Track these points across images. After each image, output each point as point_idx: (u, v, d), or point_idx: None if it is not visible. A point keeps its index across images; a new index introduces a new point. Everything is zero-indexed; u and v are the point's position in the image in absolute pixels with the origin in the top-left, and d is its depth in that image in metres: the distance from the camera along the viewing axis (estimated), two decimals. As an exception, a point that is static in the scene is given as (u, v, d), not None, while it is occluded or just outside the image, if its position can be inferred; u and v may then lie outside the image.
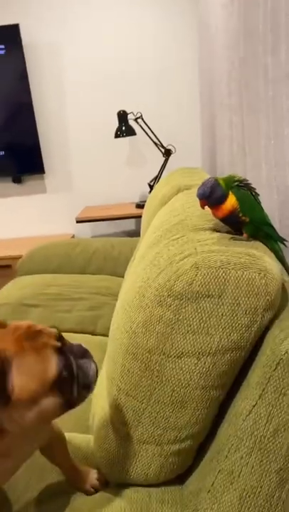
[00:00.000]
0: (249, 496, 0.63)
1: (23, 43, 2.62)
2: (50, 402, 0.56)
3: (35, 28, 2.68)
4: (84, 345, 0.63)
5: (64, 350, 0.59)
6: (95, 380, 0.62)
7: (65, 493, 0.79)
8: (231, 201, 0.76)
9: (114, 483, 0.81)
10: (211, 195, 0.77)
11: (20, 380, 0.53)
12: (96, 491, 0.80)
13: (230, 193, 0.76)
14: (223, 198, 0.77)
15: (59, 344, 0.58)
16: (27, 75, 2.68)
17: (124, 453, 0.76)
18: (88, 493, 0.80)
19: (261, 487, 0.62)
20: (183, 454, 0.74)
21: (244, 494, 0.63)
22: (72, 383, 0.58)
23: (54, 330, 0.60)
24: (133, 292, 0.74)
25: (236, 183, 0.78)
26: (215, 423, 0.73)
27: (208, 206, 0.79)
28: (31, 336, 0.57)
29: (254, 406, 0.63)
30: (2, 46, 2.62)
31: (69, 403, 0.59)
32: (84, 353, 0.62)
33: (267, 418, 0.61)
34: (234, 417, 0.66)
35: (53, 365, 0.56)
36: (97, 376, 0.63)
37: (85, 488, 0.80)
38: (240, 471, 0.63)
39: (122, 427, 0.75)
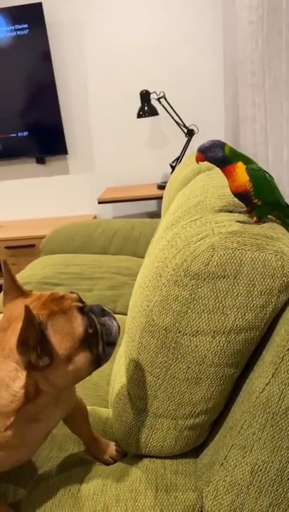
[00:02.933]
0: (260, 470, 0.65)
1: (46, 21, 2.61)
2: (82, 358, 0.61)
3: (57, 7, 2.66)
4: (103, 306, 0.67)
5: (86, 310, 0.63)
6: (118, 337, 0.66)
7: (85, 462, 0.82)
8: (243, 178, 0.75)
9: (130, 454, 0.84)
10: (207, 151, 0.76)
11: (57, 340, 0.58)
12: (114, 461, 0.85)
13: (240, 163, 0.76)
14: (223, 162, 0.76)
15: (81, 305, 0.63)
16: (50, 54, 2.67)
17: (140, 425, 0.79)
18: (107, 464, 0.84)
19: (272, 462, 0.64)
20: (197, 429, 0.76)
21: (256, 468, 0.65)
22: (98, 339, 0.63)
23: (75, 294, 0.65)
24: (150, 272, 0.75)
25: (252, 166, 0.77)
26: (229, 399, 0.75)
27: (211, 162, 0.78)
28: (56, 300, 0.61)
29: (267, 384, 0.64)
30: (25, 25, 2.62)
31: (97, 359, 0.63)
32: (104, 312, 0.66)
33: (279, 396, 0.63)
34: (248, 394, 0.68)
35: (79, 322, 0.60)
36: (119, 333, 0.66)
37: (104, 459, 0.84)
38: (252, 446, 0.65)
39: (139, 401, 0.78)
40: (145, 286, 0.76)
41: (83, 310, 0.62)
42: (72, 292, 0.66)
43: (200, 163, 0.80)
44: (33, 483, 0.79)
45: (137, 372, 0.77)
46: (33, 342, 0.56)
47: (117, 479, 0.76)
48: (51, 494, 0.76)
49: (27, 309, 0.53)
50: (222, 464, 0.70)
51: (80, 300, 0.65)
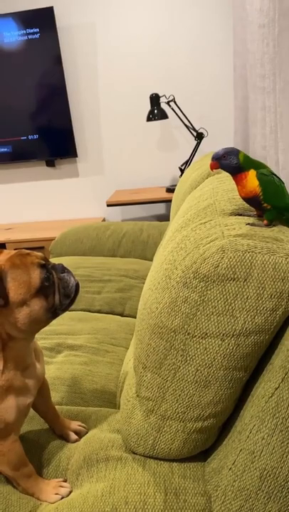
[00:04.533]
0: (269, 476, 0.64)
1: (57, 25, 2.64)
2: (37, 304, 0.71)
3: (68, 11, 2.68)
4: (65, 265, 0.78)
5: (47, 266, 0.74)
6: (75, 291, 0.76)
7: (89, 463, 0.83)
8: (253, 184, 0.75)
9: (139, 455, 0.84)
10: (222, 159, 0.76)
11: (13, 286, 0.69)
12: (79, 438, 0.89)
13: (252, 171, 0.76)
14: (237, 170, 0.76)
15: (42, 262, 0.73)
16: (61, 58, 2.69)
17: (148, 427, 0.78)
18: (72, 441, 0.88)
19: (281, 468, 0.63)
20: (205, 432, 0.76)
21: (264, 473, 0.65)
22: (54, 291, 0.74)
23: (40, 253, 0.76)
24: (160, 274, 0.75)
25: (263, 171, 0.77)
26: (238, 403, 0.75)
27: (225, 170, 0.78)
28: (21, 256, 0.73)
29: (277, 388, 0.64)
30: (37, 29, 2.64)
31: (53, 308, 0.74)
32: (64, 269, 0.77)
33: (289, 401, 0.62)
34: (257, 399, 0.68)
35: (37, 275, 0.71)
36: (77, 290, 0.77)
37: (68, 434, 0.89)
38: (261, 451, 0.65)
39: (147, 403, 0.78)
40: (154, 289, 0.76)
41: (43, 265, 0.73)
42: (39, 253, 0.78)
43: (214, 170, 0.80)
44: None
45: (145, 374, 0.77)
46: None
47: (125, 482, 0.76)
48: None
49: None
50: (230, 468, 0.70)
51: (44, 258, 0.75)
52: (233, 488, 0.68)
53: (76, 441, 0.88)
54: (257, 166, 0.77)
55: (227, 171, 0.78)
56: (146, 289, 0.82)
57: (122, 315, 1.61)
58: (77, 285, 0.77)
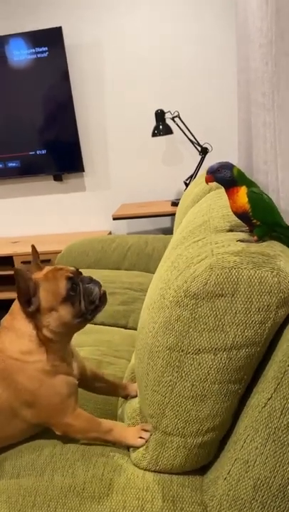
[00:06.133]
0: (263, 485, 0.65)
1: (65, 44, 2.70)
2: (64, 310, 0.84)
3: (76, 30, 2.75)
4: (94, 277, 0.91)
5: (74, 278, 0.86)
6: (99, 299, 0.87)
7: (88, 460, 0.85)
8: (243, 200, 0.78)
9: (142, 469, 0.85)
10: (216, 173, 0.80)
11: (44, 295, 0.83)
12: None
13: (243, 187, 0.78)
14: (231, 184, 0.79)
15: (70, 275, 0.86)
16: (68, 75, 2.75)
17: (151, 443, 0.80)
18: (133, 395, 1.02)
19: (274, 477, 0.64)
20: (206, 447, 0.77)
21: (258, 483, 0.65)
22: (80, 299, 0.86)
23: (72, 268, 0.90)
24: (155, 294, 0.78)
25: (252, 189, 0.79)
26: (233, 414, 0.76)
27: (219, 183, 0.81)
28: (54, 270, 0.87)
29: (269, 399, 0.65)
30: (45, 48, 2.71)
31: (80, 314, 0.86)
32: (90, 280, 0.89)
33: (281, 411, 0.63)
34: (251, 409, 0.69)
35: (63, 285, 0.84)
36: (103, 297, 0.88)
37: (128, 394, 1.04)
38: (255, 461, 0.66)
39: (150, 419, 0.80)
40: (151, 308, 0.78)
41: (71, 278, 0.86)
42: (74, 267, 0.93)
43: (210, 183, 0.83)
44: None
45: (146, 392, 0.79)
46: (28, 296, 0.83)
47: (123, 486, 0.78)
48: (56, 490, 0.79)
49: (17, 271, 0.82)
50: (225, 478, 0.70)
51: (74, 272, 0.89)
52: (228, 497, 0.69)
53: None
54: (249, 183, 0.80)
55: (221, 184, 0.81)
56: (145, 307, 0.85)
57: (125, 327, 1.63)
58: (103, 294, 0.89)
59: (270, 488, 0.65)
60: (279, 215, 0.81)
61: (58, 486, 0.79)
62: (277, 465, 0.64)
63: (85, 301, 0.86)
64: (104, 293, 0.89)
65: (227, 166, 0.79)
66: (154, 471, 0.82)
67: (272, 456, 0.64)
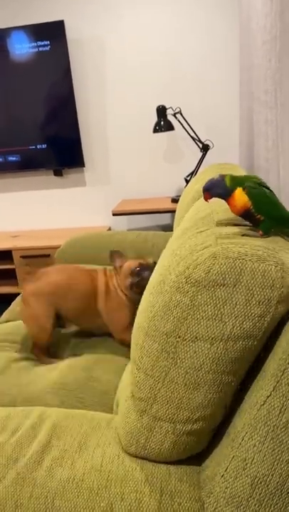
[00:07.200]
0: (260, 483, 0.65)
1: (67, 38, 2.69)
2: (128, 280, 1.42)
3: (78, 24, 2.74)
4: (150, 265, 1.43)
5: (142, 263, 1.43)
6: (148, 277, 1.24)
7: (84, 449, 0.84)
8: (242, 200, 0.77)
9: (130, 455, 0.85)
10: (211, 189, 0.81)
11: (124, 271, 1.44)
12: None
13: (238, 189, 0.78)
14: (228, 194, 0.79)
15: (138, 268, 1.41)
16: (70, 69, 2.75)
17: (140, 427, 0.80)
18: None
19: (272, 475, 0.64)
20: (195, 435, 0.77)
21: (256, 481, 0.65)
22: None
23: (150, 260, 1.45)
24: (155, 279, 0.78)
25: (249, 184, 0.79)
26: (231, 411, 0.76)
27: (217, 197, 0.83)
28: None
29: (268, 397, 0.65)
30: (47, 42, 2.70)
31: (133, 285, 1.41)
32: (148, 267, 1.40)
33: (280, 409, 0.63)
34: (249, 407, 0.68)
35: (134, 267, 1.42)
36: (147, 277, 1.25)
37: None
38: (252, 458, 0.65)
39: (140, 403, 0.79)
40: (149, 293, 0.78)
41: (141, 263, 1.41)
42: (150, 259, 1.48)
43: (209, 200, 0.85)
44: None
45: (139, 375, 0.78)
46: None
47: (122, 478, 0.77)
48: (54, 480, 0.78)
49: (128, 265, 1.43)
50: (223, 475, 0.70)
51: (143, 263, 1.42)
52: (225, 495, 0.69)
53: None
54: (241, 181, 0.79)
55: (219, 197, 0.82)
56: (145, 294, 0.84)
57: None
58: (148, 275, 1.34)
59: (267, 486, 0.65)
60: (284, 208, 0.81)
61: (56, 478, 0.79)
62: (275, 463, 0.64)
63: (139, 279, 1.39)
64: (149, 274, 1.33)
65: (218, 181, 0.81)
66: (142, 458, 0.81)
67: (270, 454, 0.64)
